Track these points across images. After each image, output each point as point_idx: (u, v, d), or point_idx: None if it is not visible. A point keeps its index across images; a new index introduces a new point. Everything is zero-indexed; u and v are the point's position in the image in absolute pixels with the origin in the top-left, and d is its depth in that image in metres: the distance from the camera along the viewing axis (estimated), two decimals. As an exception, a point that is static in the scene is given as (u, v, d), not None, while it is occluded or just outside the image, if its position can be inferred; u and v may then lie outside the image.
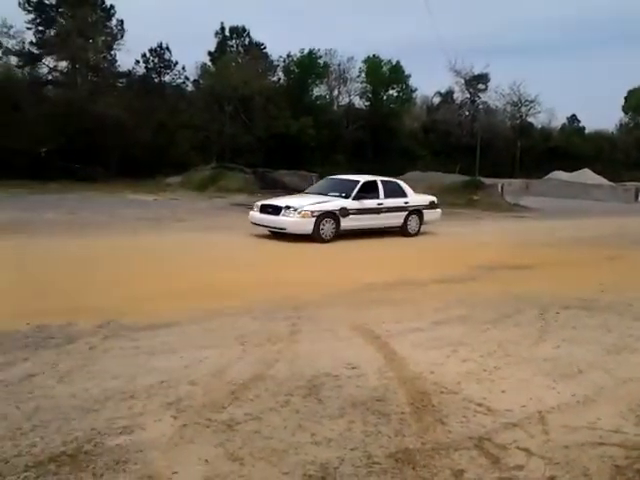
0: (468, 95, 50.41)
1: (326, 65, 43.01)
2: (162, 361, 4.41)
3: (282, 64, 42.58)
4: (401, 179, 15.65)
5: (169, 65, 40.42)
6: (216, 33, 41.30)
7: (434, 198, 14.71)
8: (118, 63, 38.32)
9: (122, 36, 37.26)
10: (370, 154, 40.32)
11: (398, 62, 45.05)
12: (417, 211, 13.74)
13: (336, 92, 44.62)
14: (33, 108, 31.30)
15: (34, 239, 10.65)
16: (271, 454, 3.06)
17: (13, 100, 30.96)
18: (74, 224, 13.29)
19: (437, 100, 51.66)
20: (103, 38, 36.67)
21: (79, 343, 4.78)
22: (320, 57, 42.83)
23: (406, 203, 13.53)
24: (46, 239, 10.74)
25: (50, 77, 37.35)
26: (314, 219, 11.62)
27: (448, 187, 24.99)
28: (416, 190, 14.86)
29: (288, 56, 42.37)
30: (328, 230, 11.85)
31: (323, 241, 11.70)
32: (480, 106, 50.26)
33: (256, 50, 40.66)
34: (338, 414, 3.58)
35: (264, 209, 12.31)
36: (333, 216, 11.92)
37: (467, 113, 51.21)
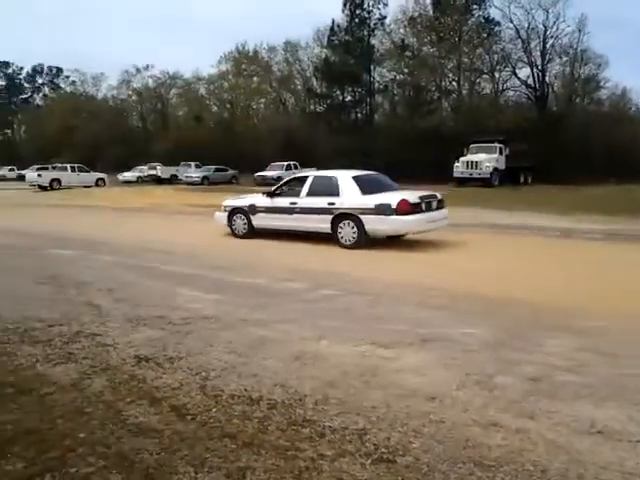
0: None
1: None
2: None
3: None
4: None
5: None
6: None
7: (393, 200, 9.65)
8: None
9: None
10: None
11: None
12: (352, 216, 9.91)
13: None
14: None
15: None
16: None
17: None
18: None
19: None
20: None
21: None
22: None
23: (331, 204, 10.12)
24: None
25: None
26: (226, 214, 11.82)
27: None
28: None
29: None
30: (239, 226, 11.66)
31: (236, 236, 11.67)
32: None
33: None
34: None
35: None
36: (244, 213, 11.58)
37: None
